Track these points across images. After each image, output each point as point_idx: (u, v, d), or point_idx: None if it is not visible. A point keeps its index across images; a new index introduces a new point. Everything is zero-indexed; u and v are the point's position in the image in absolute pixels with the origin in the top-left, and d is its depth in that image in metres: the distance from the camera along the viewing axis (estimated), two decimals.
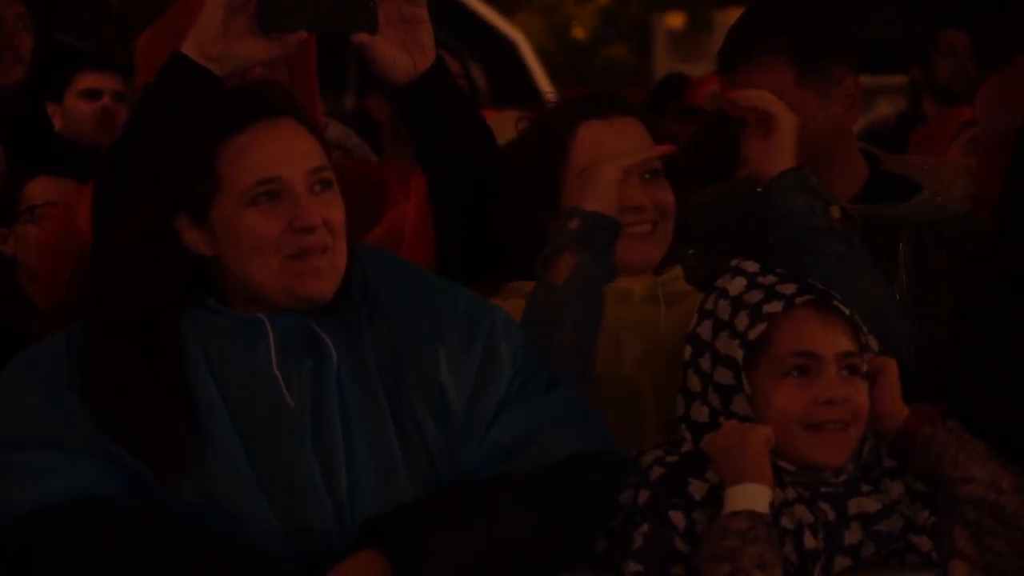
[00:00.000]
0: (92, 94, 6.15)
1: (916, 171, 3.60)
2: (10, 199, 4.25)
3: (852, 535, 2.80)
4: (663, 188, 3.20)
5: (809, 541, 2.76)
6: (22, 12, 5.18)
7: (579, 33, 27.84)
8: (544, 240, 3.13)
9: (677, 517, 2.75)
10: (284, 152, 2.73)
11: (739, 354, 2.81)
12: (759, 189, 3.25)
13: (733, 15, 3.80)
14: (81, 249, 3.01)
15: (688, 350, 2.91)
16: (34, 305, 4.07)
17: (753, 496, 2.71)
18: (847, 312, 2.86)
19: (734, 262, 2.98)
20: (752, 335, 2.81)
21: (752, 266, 2.94)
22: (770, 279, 2.90)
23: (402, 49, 3.10)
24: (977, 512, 2.84)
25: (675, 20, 27.06)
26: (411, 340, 2.81)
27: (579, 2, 27.42)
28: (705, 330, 2.90)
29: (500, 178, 3.24)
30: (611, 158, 3.08)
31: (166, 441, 2.65)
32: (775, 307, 2.82)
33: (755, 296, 2.86)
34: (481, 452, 2.81)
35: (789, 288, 2.86)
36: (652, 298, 3.15)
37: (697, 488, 2.77)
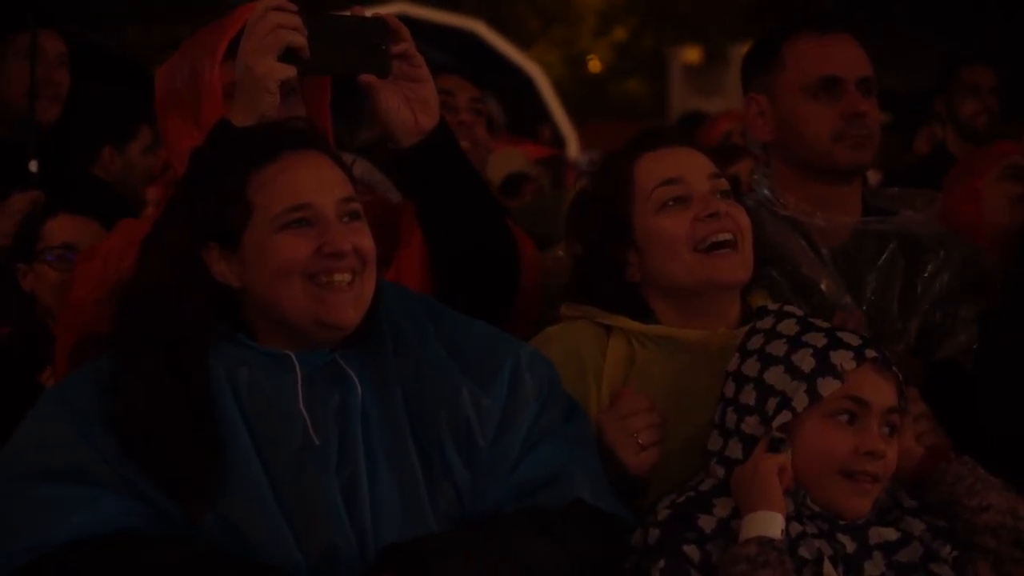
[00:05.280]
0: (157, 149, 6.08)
1: (893, 200, 3.78)
2: (32, 236, 4.21)
3: (874, 566, 2.82)
4: (738, 208, 3.18)
5: (829, 571, 2.78)
6: (64, 50, 5.20)
7: (595, 66, 27.97)
8: (616, 273, 3.14)
9: (691, 550, 2.78)
10: (314, 180, 2.77)
11: (803, 401, 2.84)
12: None
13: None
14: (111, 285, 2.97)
15: (731, 387, 2.94)
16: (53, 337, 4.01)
17: (764, 523, 2.74)
18: (899, 373, 2.90)
19: (772, 306, 3.03)
20: (824, 390, 2.84)
21: (796, 309, 3.00)
22: (823, 323, 2.96)
23: (405, 103, 3.14)
24: (996, 540, 2.87)
25: (691, 54, 27.19)
26: (436, 376, 2.84)
27: (595, 36, 27.57)
28: (751, 367, 2.92)
29: (506, 239, 3.26)
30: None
31: (192, 469, 2.67)
32: (847, 361, 2.85)
33: (818, 339, 2.89)
34: (507, 488, 2.83)
35: (853, 339, 2.89)
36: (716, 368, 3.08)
37: (706, 522, 2.81)
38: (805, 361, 2.85)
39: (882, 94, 3.72)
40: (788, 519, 2.79)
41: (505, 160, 7.39)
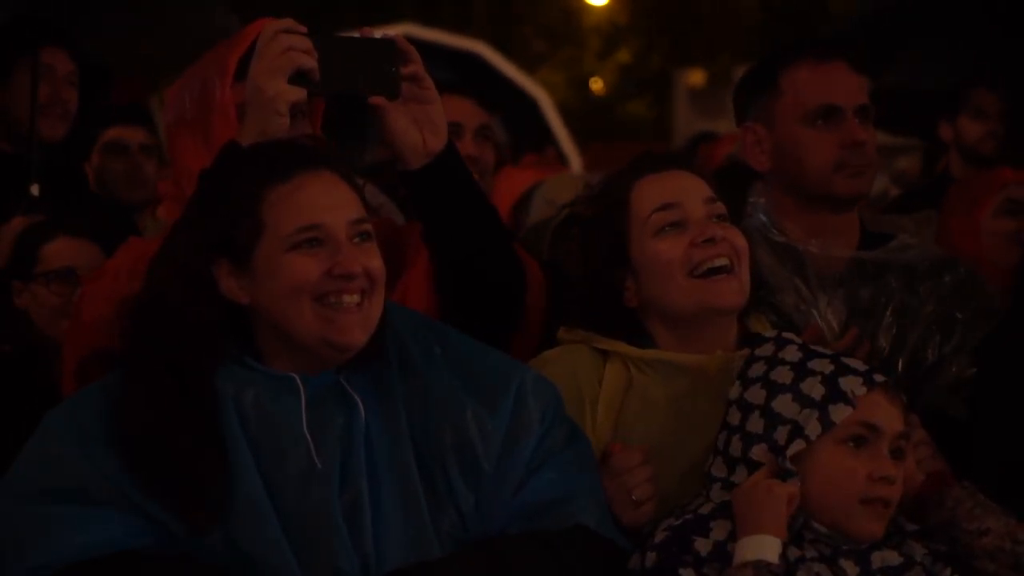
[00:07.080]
0: (118, 148, 6.09)
1: (890, 225, 3.84)
2: (31, 257, 4.21)
3: None
4: (734, 231, 3.19)
5: None
6: (73, 69, 5.24)
7: (599, 88, 28.00)
8: (614, 298, 3.14)
9: (688, 573, 2.80)
10: (327, 201, 2.78)
11: (817, 429, 2.84)
12: None
13: None
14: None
15: (735, 415, 2.94)
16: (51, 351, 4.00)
17: (760, 546, 2.76)
18: (903, 397, 2.92)
19: (769, 333, 3.04)
20: (836, 417, 2.84)
21: (794, 336, 3.00)
22: (826, 349, 2.97)
23: (413, 125, 3.14)
24: (995, 564, 2.89)
25: (695, 76, 27.23)
26: (441, 398, 2.85)
27: (599, 57, 27.60)
28: (756, 395, 2.92)
29: (512, 260, 3.27)
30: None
31: (197, 489, 2.68)
32: (858, 387, 2.86)
33: (824, 366, 2.89)
34: (510, 510, 2.84)
35: (859, 365, 2.91)
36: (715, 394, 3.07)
37: (702, 545, 2.83)
38: (815, 389, 2.86)
39: (916, 111, 3.73)
40: (786, 544, 2.80)
41: (566, 185, 7.38)
